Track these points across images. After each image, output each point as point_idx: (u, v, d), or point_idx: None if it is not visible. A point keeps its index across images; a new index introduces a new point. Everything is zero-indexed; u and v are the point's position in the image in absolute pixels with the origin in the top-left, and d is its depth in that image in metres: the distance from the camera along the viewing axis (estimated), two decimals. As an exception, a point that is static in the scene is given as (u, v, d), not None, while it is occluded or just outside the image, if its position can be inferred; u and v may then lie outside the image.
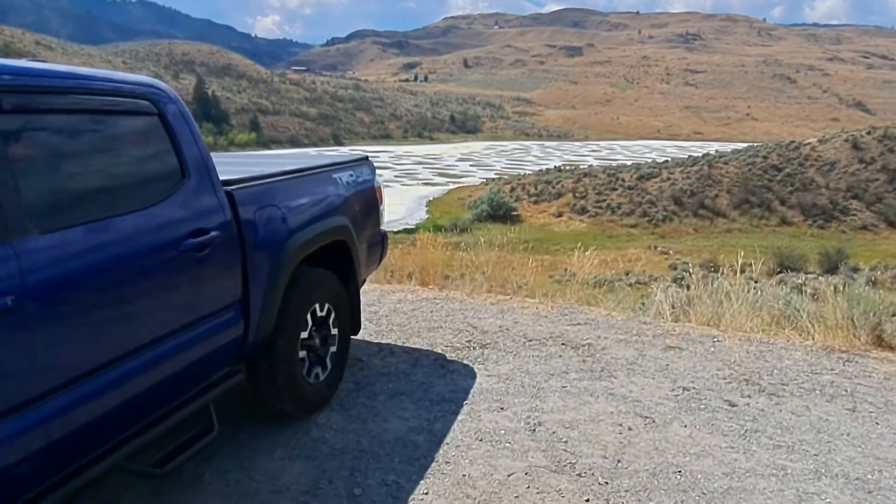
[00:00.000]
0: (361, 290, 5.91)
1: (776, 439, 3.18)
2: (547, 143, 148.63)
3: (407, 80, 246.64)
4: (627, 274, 34.65)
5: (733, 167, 57.46)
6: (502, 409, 3.46)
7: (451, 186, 78.92)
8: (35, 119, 2.03)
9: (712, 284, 6.26)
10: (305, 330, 3.26)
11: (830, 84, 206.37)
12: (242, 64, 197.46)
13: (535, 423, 3.30)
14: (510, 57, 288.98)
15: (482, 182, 77.55)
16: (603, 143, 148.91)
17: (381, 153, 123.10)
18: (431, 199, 71.90)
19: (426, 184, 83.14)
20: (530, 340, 4.51)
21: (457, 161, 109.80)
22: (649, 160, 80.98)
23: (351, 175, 3.85)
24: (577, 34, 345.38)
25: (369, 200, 4.06)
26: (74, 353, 1.96)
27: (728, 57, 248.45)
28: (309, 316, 3.29)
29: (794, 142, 61.34)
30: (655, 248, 47.38)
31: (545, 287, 6.60)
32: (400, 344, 4.44)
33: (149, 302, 2.26)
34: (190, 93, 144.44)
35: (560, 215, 58.59)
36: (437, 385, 3.75)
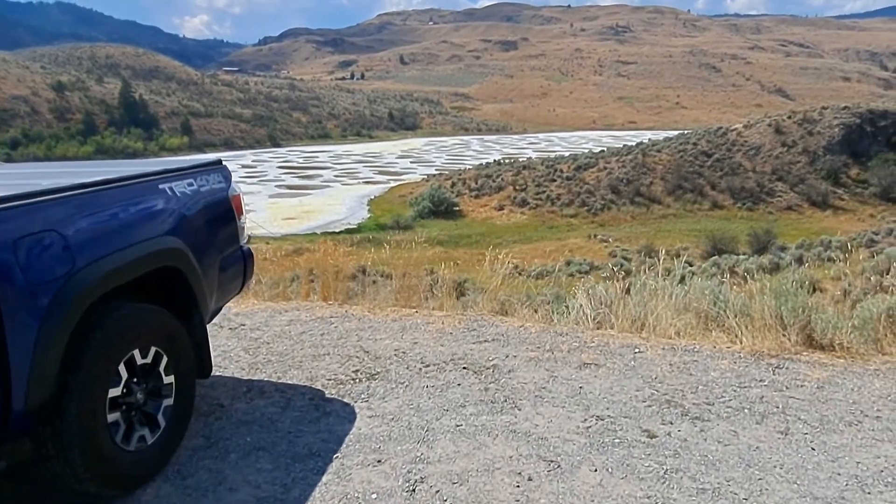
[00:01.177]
0: (249, 311, 5.24)
1: (700, 480, 2.67)
2: (486, 138, 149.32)
3: (343, 79, 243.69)
4: (568, 264, 34.80)
5: (666, 154, 58.68)
6: (379, 461, 2.84)
7: (393, 184, 78.07)
8: None
9: (638, 281, 5.84)
10: (117, 385, 2.56)
11: (753, 72, 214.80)
12: (171, 66, 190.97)
13: (416, 480, 2.69)
14: (446, 53, 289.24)
15: (423, 178, 77.11)
16: (541, 136, 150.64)
17: (319, 153, 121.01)
18: (373, 197, 70.92)
19: (367, 182, 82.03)
20: (427, 366, 3.91)
21: (397, 158, 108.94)
22: (586, 150, 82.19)
23: (190, 185, 3.15)
24: (511, 28, 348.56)
25: (221, 214, 3.37)
26: None
27: (657, 48, 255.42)
28: (123, 366, 2.58)
29: (721, 128, 63.20)
30: (595, 236, 47.89)
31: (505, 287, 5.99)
32: (275, 380, 3.76)
33: None
34: (115, 97, 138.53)
35: (501, 209, 58.68)
36: (306, 434, 3.10)
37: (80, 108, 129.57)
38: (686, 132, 69.93)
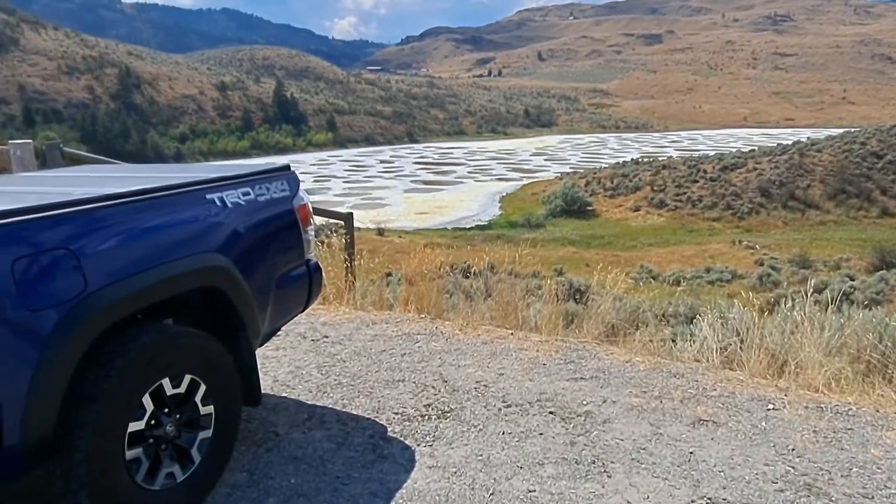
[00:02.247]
0: (337, 321, 4.99)
1: None
2: (624, 135, 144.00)
3: (480, 76, 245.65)
4: (708, 271, 32.32)
5: (827, 155, 53.09)
6: (428, 532, 2.39)
7: (525, 182, 77.39)
8: None
9: (780, 310, 4.94)
10: (141, 418, 2.30)
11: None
12: (320, 66, 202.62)
13: (467, 563, 2.21)
14: (585, 48, 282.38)
15: (556, 177, 75.75)
16: (684, 134, 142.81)
17: (454, 149, 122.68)
18: (505, 194, 70.71)
19: (500, 179, 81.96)
20: (508, 406, 3.39)
21: (531, 156, 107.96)
22: (734, 150, 76.63)
23: (246, 194, 2.86)
24: (656, 21, 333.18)
25: (281, 226, 3.06)
26: None
27: (821, 38, 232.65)
28: (148, 397, 2.33)
29: (897, 126, 56.04)
30: (740, 242, 44.38)
31: (621, 286, 5.33)
32: (339, 408, 3.42)
33: None
34: (270, 96, 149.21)
35: (637, 209, 56.13)
36: (355, 482, 2.71)
37: (239, 105, 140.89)
38: (853, 130, 62.93)
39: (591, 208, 58.02)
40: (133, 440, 2.28)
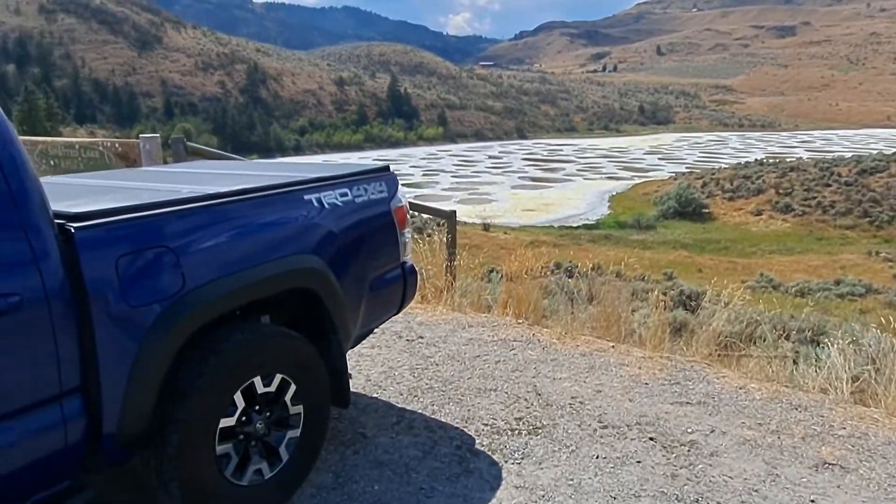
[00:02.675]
0: (433, 321, 4.95)
1: None
2: (748, 134, 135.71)
3: (594, 71, 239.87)
4: (838, 283, 29.70)
5: None
6: (511, 558, 2.27)
7: (637, 181, 74.81)
8: None
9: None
10: (232, 415, 2.34)
11: None
12: (433, 61, 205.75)
13: None
14: (709, 41, 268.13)
15: (671, 176, 72.61)
16: (816, 133, 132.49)
17: (564, 146, 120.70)
18: (614, 193, 68.72)
19: (610, 178, 79.77)
20: (605, 427, 3.18)
21: (644, 154, 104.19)
22: (874, 152, 70.03)
23: (343, 195, 2.84)
24: (790, 11, 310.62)
25: (378, 228, 3.03)
26: None
27: None
28: (240, 395, 2.36)
29: None
30: (877, 253, 40.58)
31: (738, 295, 4.96)
32: (428, 414, 3.36)
33: None
34: (384, 91, 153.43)
35: (759, 214, 52.69)
36: (438, 496, 2.63)
37: (355, 100, 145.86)
38: None
39: (707, 211, 55.08)
40: (224, 436, 2.32)
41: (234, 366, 2.31)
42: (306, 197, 2.68)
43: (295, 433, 2.60)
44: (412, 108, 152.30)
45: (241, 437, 2.41)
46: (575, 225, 56.01)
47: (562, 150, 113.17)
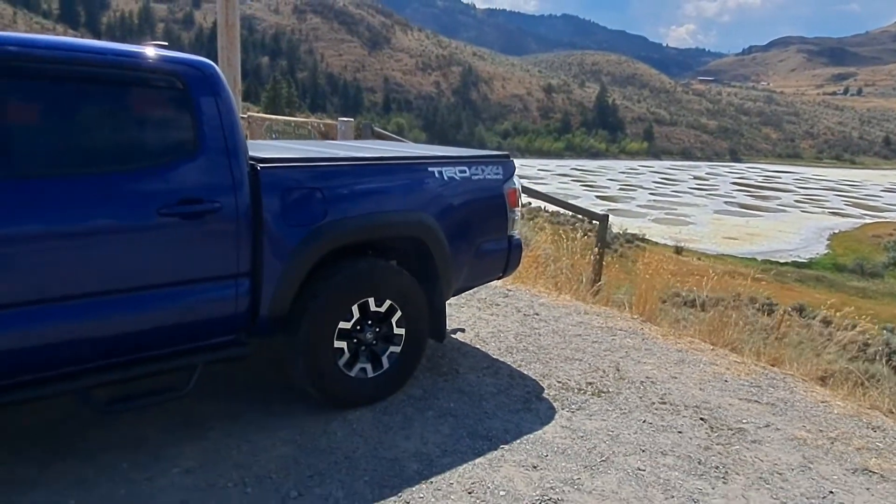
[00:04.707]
0: (554, 304, 5.50)
1: None
2: None
3: (833, 94, 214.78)
4: None
5: None
6: (535, 468, 2.82)
7: (868, 220, 66.39)
8: (43, 83, 2.41)
9: None
10: (349, 320, 3.17)
11: None
12: (647, 73, 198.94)
13: (553, 500, 2.60)
14: None
15: (918, 218, 63.29)
16: None
17: (783, 174, 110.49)
18: (836, 231, 61.72)
19: (833, 213, 71.73)
20: (663, 403, 3.54)
21: (882, 191, 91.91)
22: None
23: (462, 171, 3.56)
24: None
25: (488, 202, 3.70)
26: (17, 282, 2.29)
27: None
28: (356, 307, 3.18)
29: None
30: None
31: None
32: (515, 367, 3.96)
33: (116, 252, 2.48)
34: (591, 100, 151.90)
35: None
36: (496, 419, 3.24)
37: (560, 108, 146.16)
38: None
39: (963, 264, 47.29)
40: (340, 335, 3.16)
41: (354, 284, 3.14)
42: (430, 169, 3.44)
43: (396, 349, 3.38)
44: (618, 120, 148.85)
45: (354, 340, 3.24)
46: (782, 261, 51.20)
47: (779, 178, 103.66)
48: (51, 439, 2.80)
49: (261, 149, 3.32)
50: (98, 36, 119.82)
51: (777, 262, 49.42)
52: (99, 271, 2.45)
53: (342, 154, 3.36)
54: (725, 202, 75.26)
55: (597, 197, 68.34)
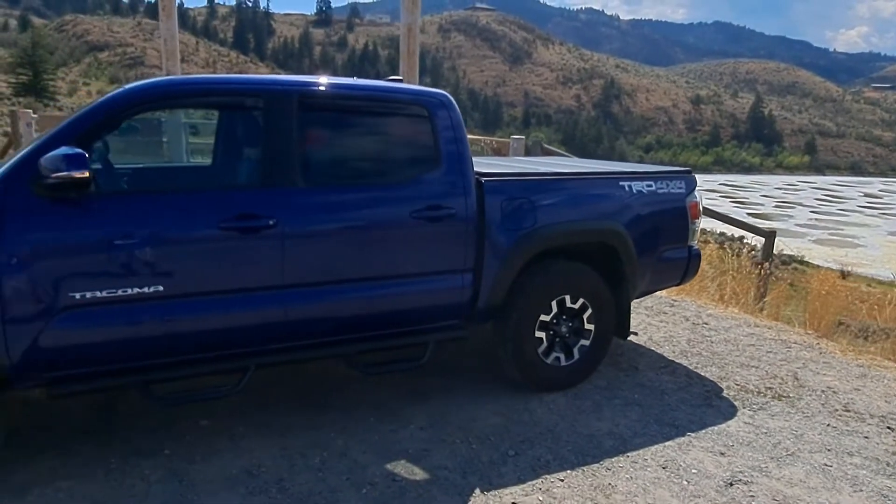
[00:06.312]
0: (721, 315, 5.66)
1: None
2: None
3: None
4: None
5: None
6: (722, 454, 3.11)
7: None
8: (331, 114, 3.12)
9: None
10: (548, 314, 3.64)
11: None
12: (810, 81, 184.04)
13: (738, 482, 2.88)
14: None
15: None
16: None
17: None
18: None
19: None
20: (848, 411, 3.65)
21: None
22: None
23: (649, 186, 3.93)
24: None
25: (671, 213, 4.03)
26: (311, 266, 2.99)
27: None
28: (555, 303, 3.65)
29: None
30: None
31: None
32: (691, 368, 4.23)
33: (379, 246, 3.13)
34: (745, 111, 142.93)
35: None
36: (680, 412, 3.55)
37: (709, 120, 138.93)
38: None
39: None
40: (541, 326, 3.64)
41: (554, 282, 3.62)
42: (621, 183, 3.85)
43: (586, 343, 3.81)
44: (774, 133, 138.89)
45: (551, 332, 3.70)
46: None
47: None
48: (312, 397, 3.53)
49: (476, 164, 3.91)
50: (263, 59, 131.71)
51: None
52: (370, 261, 3.12)
53: (543, 169, 3.86)
54: (902, 223, 67.59)
55: (748, 214, 64.12)
